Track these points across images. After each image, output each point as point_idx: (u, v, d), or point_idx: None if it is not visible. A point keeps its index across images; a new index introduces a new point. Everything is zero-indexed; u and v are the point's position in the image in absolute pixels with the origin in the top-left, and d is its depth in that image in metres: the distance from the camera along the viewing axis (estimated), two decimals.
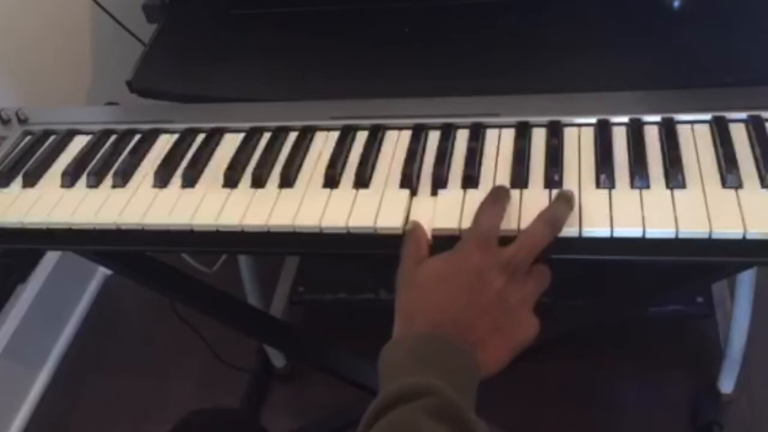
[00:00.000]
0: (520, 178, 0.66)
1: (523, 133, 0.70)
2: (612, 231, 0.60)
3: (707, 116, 0.68)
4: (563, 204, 0.61)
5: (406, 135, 0.73)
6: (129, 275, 0.95)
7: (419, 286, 0.58)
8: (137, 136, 0.79)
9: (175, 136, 0.79)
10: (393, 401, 0.50)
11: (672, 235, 0.59)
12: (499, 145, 0.70)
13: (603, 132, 0.69)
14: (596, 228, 0.60)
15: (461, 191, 0.66)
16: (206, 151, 0.76)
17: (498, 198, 0.62)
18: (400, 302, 0.59)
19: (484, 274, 0.57)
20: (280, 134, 0.76)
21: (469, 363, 0.54)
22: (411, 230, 0.62)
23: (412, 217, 0.64)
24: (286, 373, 1.43)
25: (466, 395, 0.53)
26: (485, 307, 0.56)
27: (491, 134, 0.71)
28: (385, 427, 0.49)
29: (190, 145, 0.77)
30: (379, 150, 0.72)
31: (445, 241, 0.62)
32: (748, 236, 0.58)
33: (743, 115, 0.68)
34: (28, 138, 0.82)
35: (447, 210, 0.64)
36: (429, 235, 0.63)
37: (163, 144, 0.78)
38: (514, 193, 0.64)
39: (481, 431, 0.49)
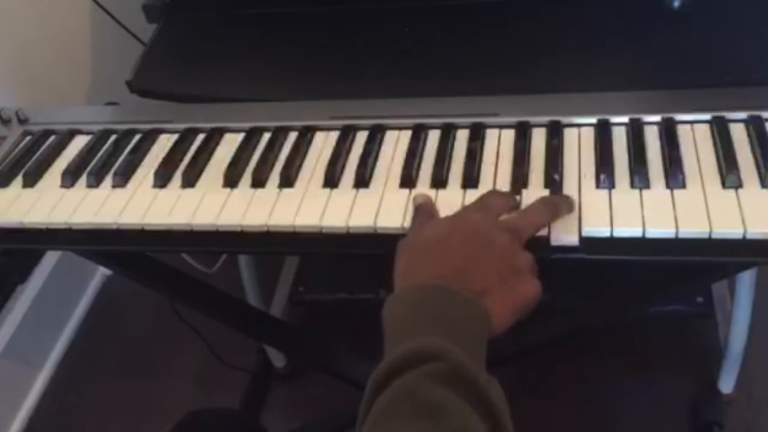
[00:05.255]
0: (520, 178, 0.66)
1: (523, 133, 0.70)
2: (612, 231, 0.60)
3: (707, 116, 0.68)
4: (565, 199, 0.62)
5: (406, 135, 0.73)
6: (129, 275, 0.95)
7: (420, 245, 0.57)
8: (137, 136, 0.79)
9: (175, 136, 0.79)
10: (397, 368, 0.48)
11: (672, 235, 0.59)
12: (499, 145, 0.70)
13: (603, 132, 0.69)
14: (596, 228, 0.60)
15: (461, 191, 0.66)
16: (206, 151, 0.76)
17: (505, 192, 0.64)
18: (400, 262, 0.57)
19: (489, 232, 0.57)
20: (280, 134, 0.76)
21: (475, 312, 0.52)
22: (421, 203, 0.63)
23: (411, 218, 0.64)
24: (286, 373, 1.43)
25: (474, 349, 0.50)
26: (490, 261, 0.55)
27: (491, 134, 0.71)
28: (390, 396, 0.47)
29: (190, 145, 0.77)
30: (379, 150, 0.72)
31: None
32: (748, 236, 0.58)
33: (743, 115, 0.68)
34: (28, 138, 0.82)
35: (447, 210, 0.64)
36: None
37: (163, 144, 0.78)
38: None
39: (491, 389, 0.48)
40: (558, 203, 0.61)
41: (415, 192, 0.67)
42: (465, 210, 0.61)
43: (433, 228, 0.59)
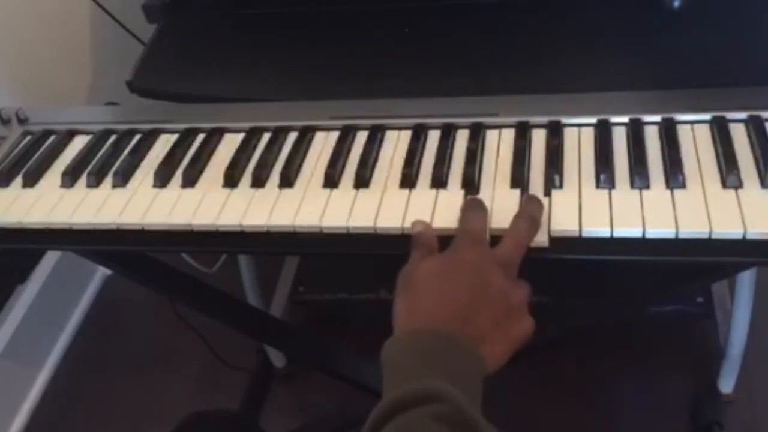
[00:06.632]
0: (520, 178, 0.66)
1: (523, 133, 0.70)
2: (612, 231, 0.60)
3: (707, 116, 0.68)
4: (536, 203, 0.62)
5: (406, 135, 0.73)
6: (129, 275, 0.95)
7: (418, 285, 0.58)
8: (137, 136, 0.79)
9: (175, 136, 0.79)
10: (400, 406, 0.49)
11: (672, 235, 0.59)
12: (499, 145, 0.70)
13: (603, 132, 0.69)
14: (596, 228, 0.60)
15: (461, 191, 0.66)
16: (206, 151, 0.76)
17: (478, 202, 0.63)
18: (399, 301, 0.58)
19: (483, 270, 0.57)
20: (280, 134, 0.76)
21: (473, 359, 0.54)
22: (420, 233, 0.62)
23: (411, 218, 0.64)
24: (286, 373, 1.43)
25: (473, 394, 0.52)
26: (487, 302, 0.56)
27: (491, 134, 0.71)
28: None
29: (190, 145, 0.77)
30: (379, 150, 0.72)
31: (445, 242, 0.61)
32: (748, 236, 0.58)
33: (743, 115, 0.68)
34: (28, 138, 0.82)
35: (447, 210, 0.64)
36: None
37: (163, 144, 0.78)
38: (514, 193, 0.65)
39: None
40: (537, 215, 0.61)
41: (414, 192, 0.67)
42: (459, 246, 0.60)
43: (431, 268, 0.59)
